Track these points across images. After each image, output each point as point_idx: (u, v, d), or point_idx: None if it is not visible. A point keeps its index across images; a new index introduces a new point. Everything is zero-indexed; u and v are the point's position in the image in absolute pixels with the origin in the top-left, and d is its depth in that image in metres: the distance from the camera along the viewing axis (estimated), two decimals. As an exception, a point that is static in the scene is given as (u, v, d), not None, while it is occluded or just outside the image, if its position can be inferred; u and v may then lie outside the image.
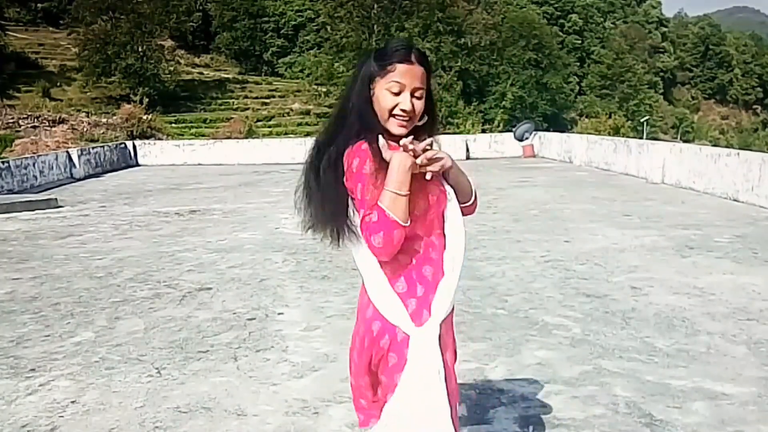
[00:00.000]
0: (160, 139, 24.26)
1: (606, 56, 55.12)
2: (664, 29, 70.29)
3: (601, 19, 62.20)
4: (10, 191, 11.53)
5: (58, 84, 30.52)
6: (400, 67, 1.71)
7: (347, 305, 4.65)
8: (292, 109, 35.53)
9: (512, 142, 17.99)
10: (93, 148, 16.36)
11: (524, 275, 5.42)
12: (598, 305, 4.56)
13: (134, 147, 18.08)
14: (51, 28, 38.50)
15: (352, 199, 1.74)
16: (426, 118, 1.80)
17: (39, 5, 39.80)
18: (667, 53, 68.26)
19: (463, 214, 1.83)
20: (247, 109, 33.70)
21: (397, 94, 1.71)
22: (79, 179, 14.20)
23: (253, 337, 4.08)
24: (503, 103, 40.40)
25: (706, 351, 3.69)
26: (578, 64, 56.26)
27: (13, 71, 29.58)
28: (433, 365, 1.69)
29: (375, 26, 36.50)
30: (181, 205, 9.97)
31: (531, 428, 2.87)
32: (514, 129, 19.18)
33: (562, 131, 26.37)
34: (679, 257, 5.95)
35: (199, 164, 17.56)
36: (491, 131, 31.61)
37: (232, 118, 30.41)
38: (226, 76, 39.21)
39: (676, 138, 54.77)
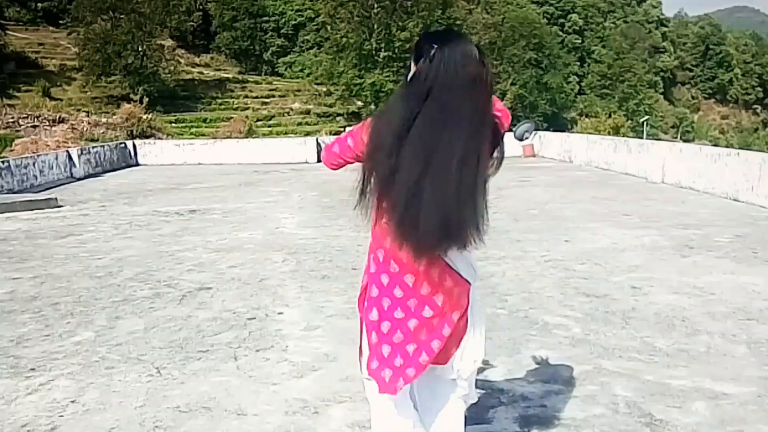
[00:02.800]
0: (160, 138, 24.29)
1: (606, 56, 55.18)
2: (664, 29, 70.29)
3: (601, 19, 62.21)
4: (10, 191, 11.52)
5: (58, 84, 30.55)
6: None
7: (347, 305, 4.65)
8: (292, 109, 35.57)
9: (512, 141, 17.85)
10: (93, 147, 16.36)
11: (524, 275, 5.42)
12: (598, 305, 4.56)
13: (134, 146, 18.07)
14: (51, 28, 38.52)
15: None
16: None
17: (39, 5, 39.79)
18: (667, 53, 68.24)
19: None
20: (247, 108, 33.75)
21: None
22: (79, 179, 14.19)
23: (253, 337, 4.08)
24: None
25: (706, 351, 3.69)
26: (578, 63, 56.30)
27: (13, 71, 29.61)
28: None
29: (375, 26, 36.52)
30: (181, 205, 9.96)
31: None
32: (514, 129, 19.11)
33: (562, 131, 26.41)
34: (679, 257, 5.95)
35: (199, 164, 17.56)
36: (491, 131, 31.55)
37: (232, 117, 30.44)
38: (226, 75, 39.25)
39: (676, 138, 54.80)
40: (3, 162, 12.08)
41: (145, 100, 29.09)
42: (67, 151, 14.74)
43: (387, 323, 1.96)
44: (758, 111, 72.10)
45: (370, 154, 1.87)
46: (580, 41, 58.59)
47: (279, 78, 42.39)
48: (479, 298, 2.17)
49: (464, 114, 1.78)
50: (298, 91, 38.56)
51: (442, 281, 1.95)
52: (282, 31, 45.14)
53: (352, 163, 2.01)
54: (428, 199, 1.76)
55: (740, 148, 13.12)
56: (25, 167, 12.50)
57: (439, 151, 1.76)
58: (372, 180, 1.86)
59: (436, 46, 1.80)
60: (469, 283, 2.02)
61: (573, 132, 31.90)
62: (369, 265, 2.04)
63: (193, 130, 29.48)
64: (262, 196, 10.80)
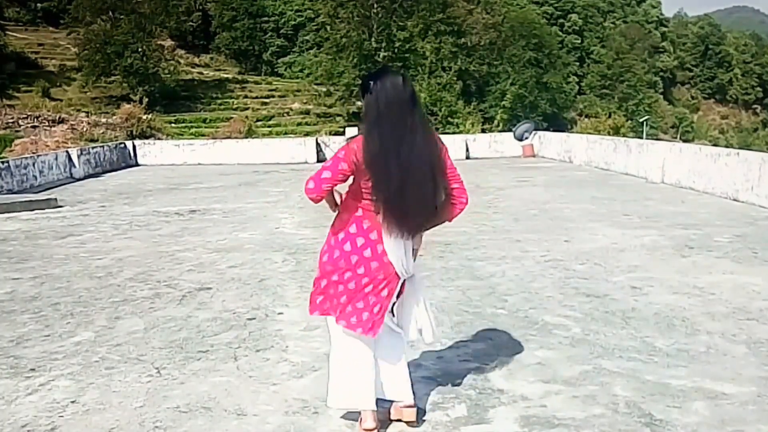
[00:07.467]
0: (159, 138, 24.27)
1: (606, 56, 55.15)
2: (664, 29, 70.29)
3: (601, 19, 62.22)
4: (10, 191, 11.52)
5: (58, 84, 30.55)
6: None
7: (347, 305, 4.65)
8: (291, 109, 35.54)
9: (512, 141, 17.98)
10: (93, 148, 16.35)
11: (524, 275, 5.42)
12: (598, 305, 4.56)
13: (134, 147, 18.06)
14: (51, 28, 38.53)
15: None
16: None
17: (39, 5, 39.78)
18: (667, 53, 68.24)
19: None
20: (247, 108, 33.71)
21: None
22: (79, 179, 14.19)
23: (253, 337, 4.08)
24: (503, 102, 40.39)
25: (706, 351, 3.69)
26: (578, 63, 56.28)
27: (13, 71, 29.60)
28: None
29: (375, 26, 36.50)
30: (181, 205, 9.97)
31: None
32: (513, 129, 19.18)
33: (562, 131, 26.39)
34: (679, 257, 5.95)
35: (199, 164, 17.55)
36: (491, 131, 31.65)
37: (231, 117, 30.43)
38: (225, 75, 39.24)
39: (676, 138, 54.77)
40: (3, 162, 12.08)
41: (145, 100, 29.06)
42: (67, 152, 14.74)
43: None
44: (758, 111, 72.01)
45: (363, 166, 2.49)
46: (579, 41, 58.56)
47: (279, 78, 42.36)
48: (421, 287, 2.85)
49: (411, 126, 2.46)
50: (298, 91, 38.54)
51: (382, 256, 2.64)
52: (282, 31, 45.12)
53: (341, 183, 2.57)
54: (411, 197, 2.48)
55: (740, 148, 13.11)
56: (25, 167, 12.50)
57: (413, 160, 2.45)
58: (366, 182, 2.52)
59: (372, 82, 2.48)
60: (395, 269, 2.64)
61: (573, 132, 31.90)
62: (346, 230, 2.75)
63: (193, 130, 29.46)
64: (262, 197, 10.80)
